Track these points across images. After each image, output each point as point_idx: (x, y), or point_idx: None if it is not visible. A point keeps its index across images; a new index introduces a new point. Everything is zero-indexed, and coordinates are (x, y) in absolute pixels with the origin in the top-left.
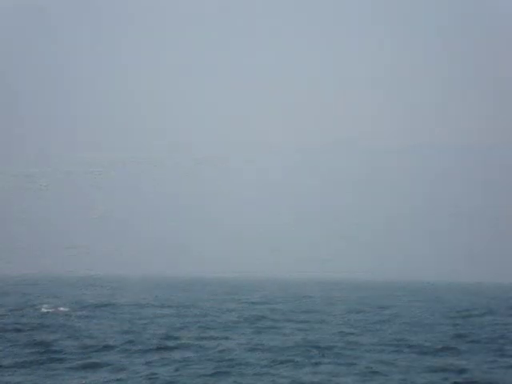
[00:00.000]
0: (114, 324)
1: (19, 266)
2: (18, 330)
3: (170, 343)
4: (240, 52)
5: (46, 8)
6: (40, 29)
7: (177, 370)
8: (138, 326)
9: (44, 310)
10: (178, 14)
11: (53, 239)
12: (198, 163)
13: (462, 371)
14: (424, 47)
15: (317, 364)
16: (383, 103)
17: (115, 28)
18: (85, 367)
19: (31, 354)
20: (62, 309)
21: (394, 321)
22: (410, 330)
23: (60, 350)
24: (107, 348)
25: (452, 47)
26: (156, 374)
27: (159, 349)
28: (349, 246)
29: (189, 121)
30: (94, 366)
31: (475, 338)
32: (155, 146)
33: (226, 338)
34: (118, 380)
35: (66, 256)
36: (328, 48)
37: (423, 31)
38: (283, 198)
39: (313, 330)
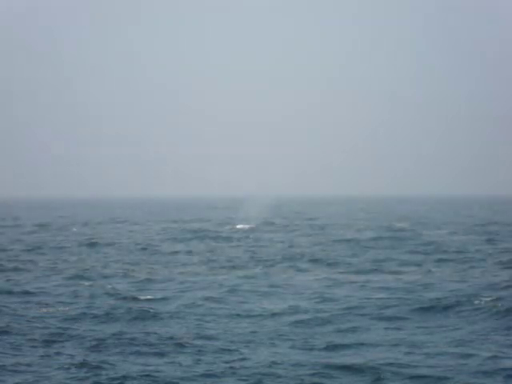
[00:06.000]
0: None
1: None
2: None
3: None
4: (240, 52)
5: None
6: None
7: None
8: None
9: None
10: (177, 13)
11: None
12: None
13: None
14: (425, 45)
15: None
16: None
17: (117, 29)
18: None
19: None
20: None
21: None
22: None
23: None
24: None
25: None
26: None
27: None
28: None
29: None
30: None
31: None
32: None
33: None
34: None
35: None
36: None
37: (426, 33)
38: None
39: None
